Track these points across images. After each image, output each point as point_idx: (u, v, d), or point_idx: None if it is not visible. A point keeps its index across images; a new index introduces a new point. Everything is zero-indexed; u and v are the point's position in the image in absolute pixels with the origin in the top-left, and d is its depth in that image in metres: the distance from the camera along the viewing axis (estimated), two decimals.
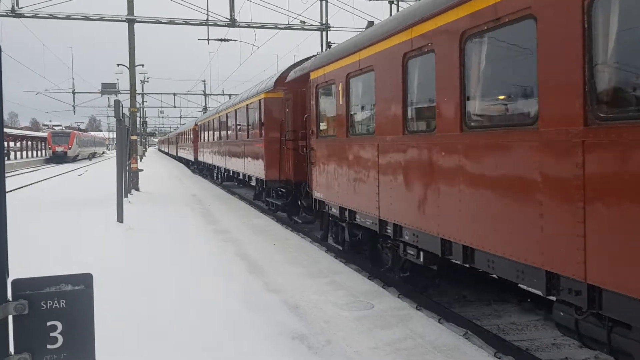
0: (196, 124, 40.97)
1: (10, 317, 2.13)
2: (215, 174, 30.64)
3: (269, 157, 15.84)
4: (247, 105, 18.91)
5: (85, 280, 2.19)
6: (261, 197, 18.44)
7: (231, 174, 23.96)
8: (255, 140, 17.34)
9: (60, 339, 2.15)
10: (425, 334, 6.21)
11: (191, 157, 44.82)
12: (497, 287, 8.55)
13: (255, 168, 17.61)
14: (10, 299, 2.13)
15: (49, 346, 2.15)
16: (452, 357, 5.60)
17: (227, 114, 24.08)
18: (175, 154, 66.78)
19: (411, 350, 5.75)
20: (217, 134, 27.85)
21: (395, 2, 23.76)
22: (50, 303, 2.14)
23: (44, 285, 2.15)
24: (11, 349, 2.15)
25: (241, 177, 21.34)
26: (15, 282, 2.15)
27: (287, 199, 15.04)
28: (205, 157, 33.71)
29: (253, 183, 19.17)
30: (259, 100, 16.68)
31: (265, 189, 16.88)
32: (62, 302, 2.14)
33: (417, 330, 6.33)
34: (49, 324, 2.14)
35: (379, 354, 5.67)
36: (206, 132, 33.07)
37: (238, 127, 21.31)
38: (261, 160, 16.47)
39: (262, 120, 16.21)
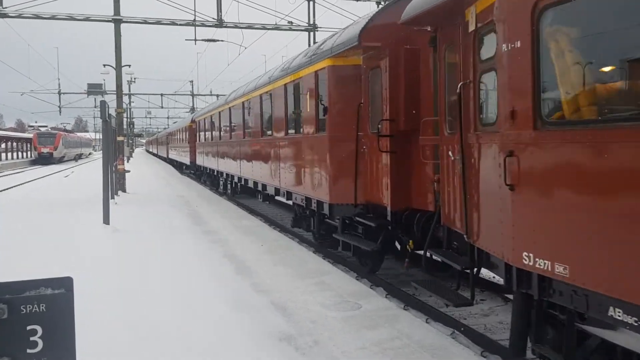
0: (193, 121, 33.15)
1: None
2: (221, 183, 23.78)
3: (338, 166, 9.65)
4: (286, 84, 12.42)
5: (65, 284, 2.16)
6: (304, 225, 12.20)
7: (251, 185, 16.84)
8: (309, 138, 10.95)
9: (41, 343, 2.12)
10: (412, 334, 6.22)
11: (186, 160, 36.56)
12: (482, 286, 8.59)
13: (305, 181, 11.13)
14: None
15: (29, 350, 2.12)
16: (439, 356, 5.62)
17: (245, 103, 17.03)
18: (165, 156, 59.60)
19: (398, 350, 5.76)
20: (227, 130, 20.80)
21: (382, 3, 23.81)
22: (30, 307, 2.11)
23: (24, 289, 2.13)
24: None
25: (272, 191, 14.48)
26: None
27: (375, 239, 9.00)
28: (208, 160, 26.25)
29: (294, 202, 12.40)
30: (317, 72, 10.39)
31: (328, 217, 10.55)
32: (42, 306, 2.12)
33: (404, 330, 6.35)
34: (28, 328, 2.12)
35: (366, 354, 5.68)
36: (209, 129, 25.62)
37: (269, 118, 14.41)
38: (320, 169, 10.17)
39: (325, 104, 9.96)
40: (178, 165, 46.52)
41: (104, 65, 30.47)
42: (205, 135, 27.24)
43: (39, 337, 2.12)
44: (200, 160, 29.21)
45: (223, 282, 8.55)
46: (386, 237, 8.94)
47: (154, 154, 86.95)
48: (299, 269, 9.52)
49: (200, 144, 29.45)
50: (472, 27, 5.79)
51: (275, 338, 6.14)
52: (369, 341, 6.02)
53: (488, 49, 5.48)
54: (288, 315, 6.95)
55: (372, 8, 24.60)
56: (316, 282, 8.58)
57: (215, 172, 24.48)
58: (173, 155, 49.25)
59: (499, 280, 8.18)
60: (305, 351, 5.78)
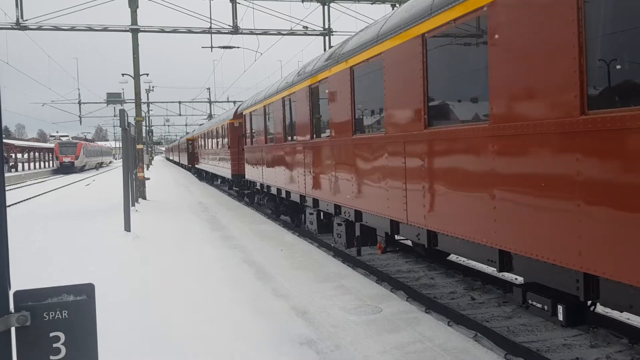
0: (239, 114, 22.66)
1: (12, 329, 2.13)
2: (311, 218, 12.55)
3: None
4: None
5: (87, 291, 2.18)
6: None
7: (490, 258, 5.96)
8: None
9: (63, 350, 2.14)
10: (434, 337, 6.17)
11: (225, 172, 26.28)
12: (504, 287, 8.48)
13: None
14: (13, 311, 2.13)
15: (52, 357, 2.14)
16: (461, 359, 5.55)
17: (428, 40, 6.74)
18: (190, 165, 49.54)
19: (420, 354, 5.71)
20: (342, 119, 9.70)
21: (397, 5, 23.76)
22: (52, 314, 2.13)
23: (46, 296, 2.15)
24: None
25: None
26: (17, 294, 2.14)
27: None
28: (271, 175, 15.87)
29: None
30: None
31: None
32: (65, 312, 2.14)
33: (425, 333, 6.29)
34: (51, 335, 2.13)
35: (387, 358, 5.63)
36: (278, 124, 14.71)
37: None
38: None
39: None
40: (209, 178, 37.08)
41: (123, 75, 30.91)
42: (265, 134, 16.68)
43: (62, 344, 2.14)
44: (255, 174, 18.69)
45: (243, 288, 8.57)
46: None
47: (175, 162, 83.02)
48: (319, 272, 9.51)
49: (252, 148, 18.95)
50: None
51: (296, 342, 6.13)
52: (390, 345, 5.98)
53: None
54: (308, 320, 6.93)
55: (387, 10, 24.58)
56: (336, 286, 8.56)
57: (294, 196, 13.54)
58: (203, 164, 38.21)
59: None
60: (327, 355, 5.75)
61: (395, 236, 8.46)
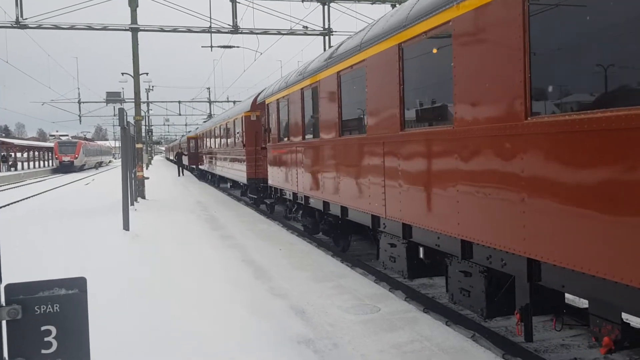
0: (260, 104, 18.43)
1: (3, 322, 2.10)
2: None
3: None
4: None
5: (79, 284, 2.15)
6: None
7: None
8: None
9: (55, 344, 2.11)
10: (432, 336, 6.14)
11: (238, 175, 22.20)
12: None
13: None
14: (4, 304, 2.10)
15: (43, 351, 2.12)
16: (459, 359, 5.53)
17: None
18: (193, 166, 44.29)
19: (418, 353, 5.69)
20: None
21: (397, 5, 23.75)
22: (44, 307, 2.11)
23: (38, 290, 2.12)
24: (5, 355, 2.12)
25: None
26: (8, 287, 2.12)
27: None
28: (332, 186, 10.40)
29: None
30: None
31: None
32: (56, 306, 2.11)
33: (424, 332, 6.27)
34: (43, 328, 2.11)
35: (385, 357, 5.61)
36: (340, 105, 9.79)
37: None
38: None
39: None
40: (215, 179, 33.20)
41: (122, 74, 30.91)
42: (302, 128, 12.49)
43: (53, 338, 2.11)
44: (283, 180, 14.51)
45: (241, 287, 8.54)
46: None
47: (175, 163, 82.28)
48: (317, 272, 9.48)
49: (280, 146, 14.67)
50: None
51: (294, 341, 6.11)
52: (388, 344, 5.96)
53: None
54: (306, 319, 6.91)
55: (387, 10, 24.57)
56: (334, 286, 8.54)
57: (357, 215, 9.59)
58: (211, 166, 33.40)
59: None
60: (324, 354, 5.73)
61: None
